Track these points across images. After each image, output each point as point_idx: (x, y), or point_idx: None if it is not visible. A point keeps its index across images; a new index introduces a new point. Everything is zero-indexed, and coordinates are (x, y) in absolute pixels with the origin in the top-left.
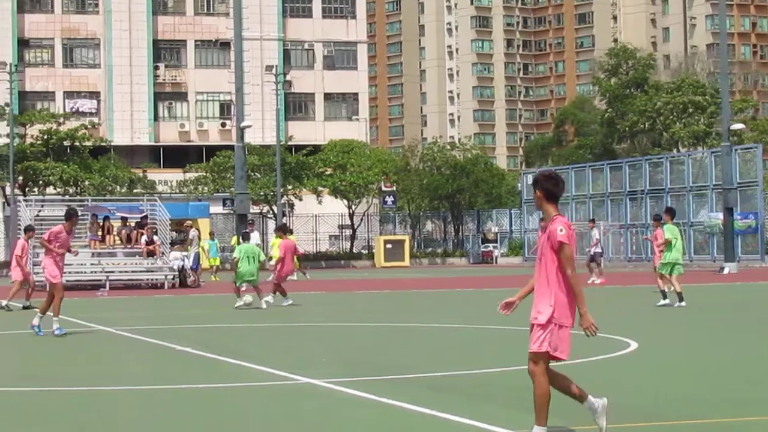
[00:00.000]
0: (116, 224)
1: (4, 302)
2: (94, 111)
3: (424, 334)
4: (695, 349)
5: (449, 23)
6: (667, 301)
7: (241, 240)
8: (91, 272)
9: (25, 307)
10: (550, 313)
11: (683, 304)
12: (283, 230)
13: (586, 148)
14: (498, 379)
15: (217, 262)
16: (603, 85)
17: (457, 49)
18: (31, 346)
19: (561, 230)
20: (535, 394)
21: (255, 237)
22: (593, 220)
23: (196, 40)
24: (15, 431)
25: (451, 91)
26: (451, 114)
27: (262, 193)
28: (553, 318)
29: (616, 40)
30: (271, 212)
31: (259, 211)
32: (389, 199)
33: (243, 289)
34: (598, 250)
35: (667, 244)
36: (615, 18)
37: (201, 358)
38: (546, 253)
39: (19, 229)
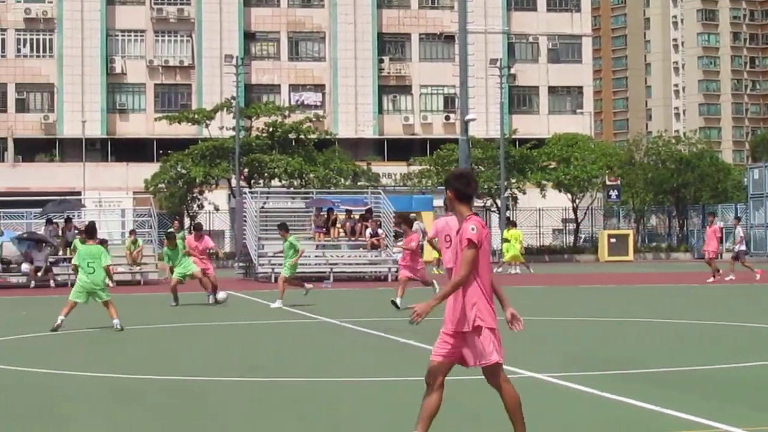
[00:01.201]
0: (341, 217)
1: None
2: (318, 104)
3: (646, 329)
4: None
5: (675, 16)
6: None
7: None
8: (316, 264)
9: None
10: (474, 318)
11: None
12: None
13: None
14: (722, 376)
15: (438, 255)
16: None
17: (682, 43)
18: (256, 338)
19: (472, 228)
20: (506, 403)
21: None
22: (738, 218)
23: (420, 34)
24: (242, 420)
25: (676, 85)
26: (676, 108)
27: (485, 187)
28: (481, 322)
29: None
30: (494, 206)
31: (482, 204)
32: (613, 193)
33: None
34: (743, 248)
35: None
36: None
37: (424, 350)
38: (461, 255)
39: (244, 221)
